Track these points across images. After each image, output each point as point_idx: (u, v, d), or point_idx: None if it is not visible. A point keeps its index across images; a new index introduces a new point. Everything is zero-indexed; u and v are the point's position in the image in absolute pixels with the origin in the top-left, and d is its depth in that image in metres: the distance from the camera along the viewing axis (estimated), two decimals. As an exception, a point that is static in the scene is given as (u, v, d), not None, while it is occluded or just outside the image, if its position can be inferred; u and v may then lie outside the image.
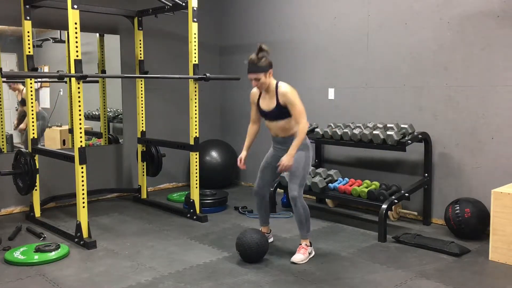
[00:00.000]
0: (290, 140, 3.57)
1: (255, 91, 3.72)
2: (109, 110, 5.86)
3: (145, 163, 5.47)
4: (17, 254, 3.67)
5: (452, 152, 4.45)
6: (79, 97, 3.87)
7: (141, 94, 5.39)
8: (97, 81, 5.72)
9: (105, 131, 5.84)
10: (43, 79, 5.47)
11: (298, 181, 3.59)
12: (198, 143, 4.76)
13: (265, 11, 5.97)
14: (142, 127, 5.43)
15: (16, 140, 5.30)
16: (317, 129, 4.98)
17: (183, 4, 4.72)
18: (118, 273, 3.43)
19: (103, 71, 5.72)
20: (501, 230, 3.58)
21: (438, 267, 3.51)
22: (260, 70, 3.48)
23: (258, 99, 3.70)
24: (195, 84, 4.68)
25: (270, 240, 4.04)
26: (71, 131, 5.41)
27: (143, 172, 5.49)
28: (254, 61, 3.50)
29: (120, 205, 5.39)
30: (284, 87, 3.54)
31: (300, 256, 3.61)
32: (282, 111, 3.55)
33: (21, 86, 5.18)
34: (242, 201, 5.41)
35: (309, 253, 3.68)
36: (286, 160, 3.48)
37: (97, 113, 5.84)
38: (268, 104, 3.61)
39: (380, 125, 4.54)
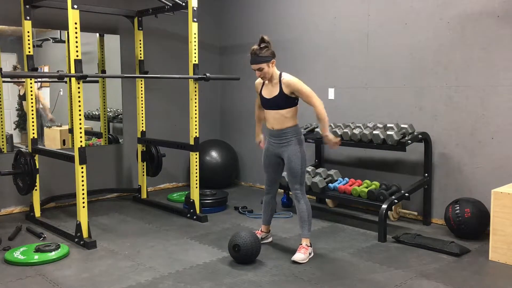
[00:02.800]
0: (284, 134, 3.63)
1: (259, 81, 3.76)
2: (109, 110, 5.86)
3: (145, 163, 5.47)
4: (17, 254, 3.67)
5: (452, 152, 4.45)
6: (79, 97, 3.87)
7: (141, 94, 5.39)
8: (97, 81, 5.72)
9: (105, 131, 5.84)
10: (43, 79, 5.47)
11: (297, 179, 3.66)
12: (198, 143, 4.76)
13: (265, 11, 5.97)
14: (142, 127, 5.44)
15: (16, 140, 5.30)
16: (317, 129, 4.98)
17: (183, 4, 4.72)
18: (118, 273, 3.43)
19: (103, 71, 5.72)
20: (501, 230, 3.58)
21: (438, 267, 3.51)
22: (262, 60, 3.52)
23: (261, 88, 3.74)
24: (195, 84, 4.68)
25: (269, 240, 4.05)
26: (71, 131, 5.41)
27: (143, 172, 5.49)
28: (256, 52, 3.54)
29: (120, 205, 5.39)
30: (287, 77, 3.59)
31: (301, 255, 3.61)
32: (283, 100, 3.59)
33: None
34: (242, 201, 5.41)
35: (309, 253, 3.68)
36: (327, 140, 3.61)
37: (97, 113, 5.83)
38: (270, 92, 3.64)
39: (380, 125, 4.54)
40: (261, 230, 4.02)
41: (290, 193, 4.90)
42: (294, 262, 3.59)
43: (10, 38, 5.06)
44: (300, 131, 3.74)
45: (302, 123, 5.43)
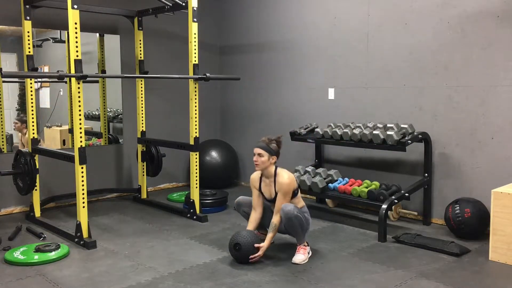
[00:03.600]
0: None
1: (254, 176, 3.82)
2: (109, 110, 5.86)
3: (145, 163, 5.47)
4: (17, 254, 3.67)
5: (452, 152, 4.45)
6: (79, 97, 3.87)
7: (141, 94, 5.39)
8: (97, 81, 5.72)
9: (105, 131, 5.84)
10: (43, 79, 5.47)
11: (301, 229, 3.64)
12: (198, 143, 4.76)
13: (265, 11, 5.98)
14: (142, 127, 5.44)
15: (16, 140, 5.30)
16: (317, 129, 4.98)
17: (183, 4, 4.72)
18: (118, 273, 3.43)
19: (103, 71, 5.72)
20: (501, 230, 3.58)
21: (438, 267, 3.51)
22: (267, 150, 3.64)
23: (260, 184, 3.78)
24: (195, 84, 4.68)
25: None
26: (71, 131, 5.41)
27: (143, 172, 5.49)
28: (266, 140, 3.68)
29: (120, 205, 5.39)
30: (282, 177, 3.63)
31: (301, 257, 3.61)
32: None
33: (24, 130, 5.19)
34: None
35: (308, 253, 3.69)
36: (261, 252, 3.56)
37: (97, 113, 5.84)
38: (269, 191, 3.75)
39: (380, 125, 4.54)
40: (260, 232, 4.00)
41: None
42: (295, 263, 3.59)
43: (10, 38, 5.06)
44: (307, 211, 3.76)
45: (302, 123, 5.45)
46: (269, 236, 3.63)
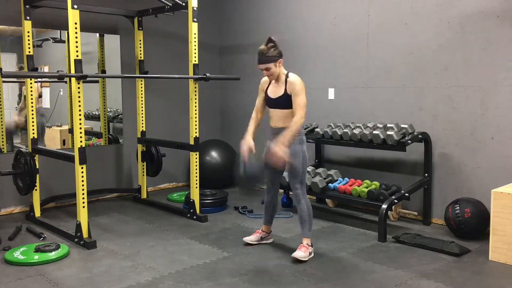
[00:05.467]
0: None
1: (265, 79, 3.78)
2: (109, 110, 5.86)
3: (145, 163, 5.47)
4: (17, 254, 3.67)
5: (452, 152, 4.45)
6: (79, 97, 3.87)
7: (141, 94, 5.39)
8: (97, 81, 5.72)
9: (105, 131, 5.84)
10: (43, 79, 5.47)
11: (298, 179, 3.65)
12: (198, 143, 4.76)
13: (265, 11, 5.97)
14: (142, 127, 5.44)
15: (16, 140, 5.30)
16: (317, 129, 4.98)
17: (183, 4, 4.72)
18: (118, 273, 3.43)
19: (103, 71, 5.72)
20: (501, 230, 3.58)
21: (438, 267, 3.51)
22: (269, 60, 3.54)
23: (267, 87, 3.75)
24: (195, 84, 4.68)
25: (270, 240, 4.04)
26: (71, 131, 5.41)
27: (143, 172, 5.49)
28: (263, 52, 3.56)
29: (120, 205, 5.39)
30: (293, 77, 3.60)
31: (301, 253, 3.60)
32: (288, 100, 3.59)
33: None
34: (242, 201, 5.40)
35: (310, 253, 3.68)
36: (278, 149, 3.36)
37: (97, 113, 5.83)
38: (275, 91, 3.66)
39: (380, 125, 4.54)
40: (262, 230, 4.02)
41: (291, 193, 4.88)
42: (294, 259, 3.58)
43: (10, 38, 5.06)
44: (303, 131, 3.74)
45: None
46: (287, 133, 3.42)
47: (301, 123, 3.53)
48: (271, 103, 3.71)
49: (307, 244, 3.68)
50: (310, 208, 3.70)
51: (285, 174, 3.82)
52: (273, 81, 3.70)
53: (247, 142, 3.69)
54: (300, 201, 3.67)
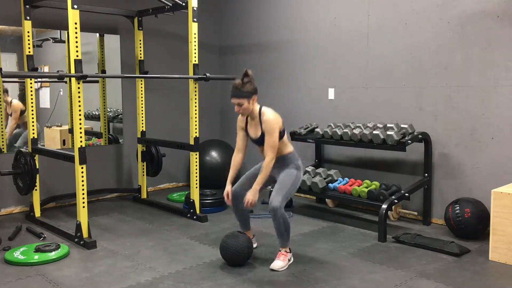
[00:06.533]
0: (282, 159, 3.55)
1: (240, 117, 3.65)
2: (109, 110, 5.86)
3: (145, 163, 5.47)
4: (17, 254, 3.67)
5: (452, 152, 4.45)
6: (79, 97, 3.87)
7: (141, 94, 5.39)
8: (97, 81, 5.72)
9: (105, 131, 5.84)
10: (43, 79, 5.47)
11: (283, 193, 3.46)
12: (198, 143, 4.76)
13: (265, 11, 5.97)
14: (142, 127, 5.44)
15: (21, 142, 5.29)
16: (317, 129, 4.98)
17: (183, 4, 4.72)
18: (118, 273, 3.43)
19: (103, 71, 5.72)
20: (501, 230, 3.58)
21: (438, 267, 3.51)
22: (243, 95, 3.42)
23: (246, 124, 3.64)
24: (195, 84, 4.68)
25: (254, 245, 3.87)
26: (71, 131, 5.41)
27: (143, 172, 5.49)
28: (238, 86, 3.43)
29: (120, 205, 5.39)
30: (267, 115, 3.47)
31: (280, 263, 3.48)
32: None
33: (9, 99, 5.16)
34: (242, 201, 5.40)
35: (289, 260, 3.56)
36: (251, 195, 3.44)
37: (97, 113, 5.83)
38: (254, 131, 3.57)
39: (380, 125, 4.54)
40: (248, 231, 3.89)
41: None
42: (273, 270, 3.46)
43: (10, 38, 5.06)
44: (297, 157, 3.64)
45: (302, 123, 5.45)
46: (260, 177, 3.44)
47: (271, 166, 3.46)
48: (252, 141, 3.64)
49: (285, 251, 3.55)
50: (287, 221, 3.47)
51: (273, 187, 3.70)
52: (250, 120, 3.59)
53: (228, 192, 3.63)
54: (276, 215, 3.39)
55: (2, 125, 5.07)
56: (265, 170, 3.45)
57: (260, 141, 3.55)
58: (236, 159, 3.70)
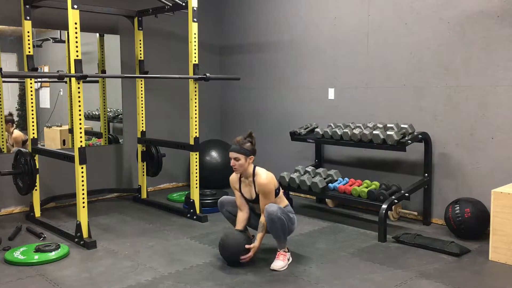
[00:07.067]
0: None
1: (234, 177, 3.69)
2: (109, 110, 5.87)
3: (145, 163, 5.47)
4: (17, 254, 3.67)
5: (452, 152, 4.45)
6: (79, 97, 3.87)
7: (141, 94, 5.39)
8: (97, 81, 5.72)
9: (105, 131, 5.84)
10: (43, 79, 5.47)
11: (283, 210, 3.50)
12: (198, 143, 4.76)
13: (265, 11, 5.97)
14: (142, 127, 5.44)
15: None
16: (317, 129, 4.98)
17: (183, 4, 4.72)
18: (118, 273, 3.43)
19: (103, 71, 5.72)
20: (501, 230, 3.58)
21: (438, 267, 3.51)
22: (242, 152, 3.51)
23: (240, 185, 3.67)
24: (195, 84, 4.68)
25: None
26: (71, 131, 5.41)
27: (143, 172, 5.49)
28: (239, 142, 3.55)
29: (120, 205, 5.39)
30: (261, 177, 3.51)
31: (280, 263, 3.49)
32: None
33: (11, 129, 5.19)
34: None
35: (288, 259, 3.58)
36: (252, 253, 3.50)
37: (97, 113, 5.84)
38: (249, 193, 3.63)
39: (380, 125, 4.54)
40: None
41: (291, 193, 4.86)
42: (273, 270, 3.47)
43: (10, 38, 5.06)
44: (292, 211, 3.66)
45: (302, 123, 5.46)
46: (259, 236, 3.52)
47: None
48: (250, 202, 3.68)
49: (284, 251, 3.57)
50: (285, 224, 3.47)
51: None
52: (243, 179, 3.63)
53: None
54: (274, 220, 3.40)
55: (2, 125, 5.07)
56: (264, 229, 3.51)
57: (255, 201, 3.62)
58: (240, 217, 3.70)
